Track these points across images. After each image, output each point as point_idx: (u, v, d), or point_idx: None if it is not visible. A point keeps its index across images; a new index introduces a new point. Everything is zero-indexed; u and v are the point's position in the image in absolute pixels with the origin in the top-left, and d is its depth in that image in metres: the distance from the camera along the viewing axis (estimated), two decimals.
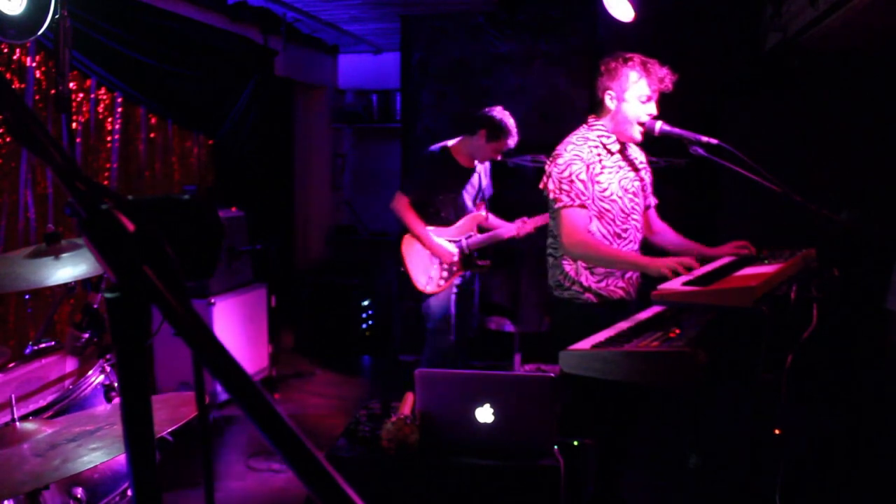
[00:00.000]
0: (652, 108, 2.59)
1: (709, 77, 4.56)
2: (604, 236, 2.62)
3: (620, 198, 2.64)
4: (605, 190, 2.61)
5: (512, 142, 3.79)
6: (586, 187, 2.57)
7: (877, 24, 3.36)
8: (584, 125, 2.71)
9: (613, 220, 2.63)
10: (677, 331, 2.00)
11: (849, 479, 3.26)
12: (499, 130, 3.75)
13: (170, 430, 1.71)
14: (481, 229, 4.00)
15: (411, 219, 3.86)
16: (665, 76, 2.56)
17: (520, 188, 4.65)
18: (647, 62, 2.56)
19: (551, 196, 2.61)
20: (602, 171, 2.62)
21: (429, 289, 3.91)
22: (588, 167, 2.58)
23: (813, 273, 2.32)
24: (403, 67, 5.45)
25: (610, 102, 2.63)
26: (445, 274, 3.90)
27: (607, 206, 2.62)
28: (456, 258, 3.89)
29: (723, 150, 2.42)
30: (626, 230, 2.66)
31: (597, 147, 2.63)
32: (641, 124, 2.59)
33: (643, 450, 3.38)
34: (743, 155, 2.36)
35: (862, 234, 3.83)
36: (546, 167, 2.68)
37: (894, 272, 3.29)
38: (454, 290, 3.97)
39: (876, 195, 3.93)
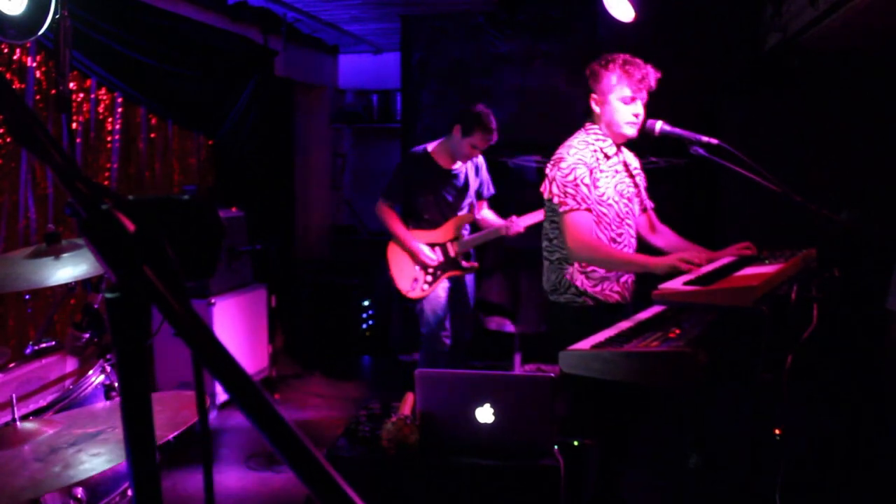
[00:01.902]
0: (636, 109, 2.56)
1: (708, 77, 4.56)
2: None
3: (616, 202, 2.64)
4: (602, 195, 2.61)
5: (487, 135, 3.69)
6: (590, 191, 2.57)
7: (877, 24, 3.36)
8: (583, 129, 2.70)
9: (609, 225, 2.63)
10: (677, 331, 2.00)
11: (849, 479, 3.26)
12: (471, 123, 3.68)
13: (171, 436, 1.70)
14: (477, 229, 3.97)
15: (393, 222, 3.87)
16: (645, 76, 2.52)
17: (520, 188, 4.65)
18: (627, 63, 2.52)
19: (555, 200, 2.58)
20: (600, 175, 2.62)
21: (412, 294, 3.88)
22: (591, 172, 2.58)
23: (813, 273, 2.31)
24: (403, 67, 5.45)
25: (596, 107, 2.63)
26: (430, 278, 3.87)
27: (604, 211, 2.62)
28: (436, 262, 3.86)
29: (723, 150, 2.41)
30: (620, 234, 2.66)
31: (595, 152, 2.63)
32: (632, 124, 2.58)
33: (643, 450, 3.38)
34: (743, 155, 2.35)
35: (862, 234, 3.82)
36: (547, 171, 2.65)
37: (894, 272, 3.29)
38: (446, 292, 3.93)
39: (876, 195, 3.92)
